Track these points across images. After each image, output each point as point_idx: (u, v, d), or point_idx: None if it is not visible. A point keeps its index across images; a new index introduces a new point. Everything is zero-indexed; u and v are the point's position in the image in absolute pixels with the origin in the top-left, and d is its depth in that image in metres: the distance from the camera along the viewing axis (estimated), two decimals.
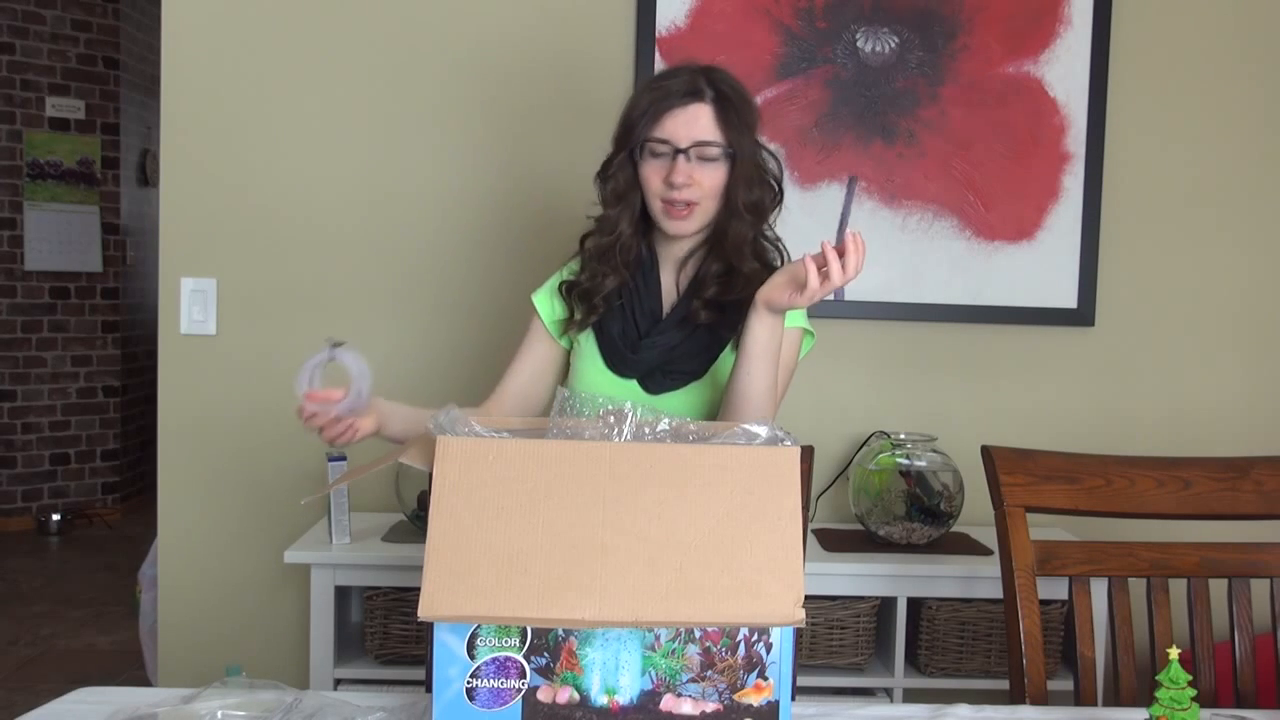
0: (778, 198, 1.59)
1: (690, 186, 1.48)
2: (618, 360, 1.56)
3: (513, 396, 1.62)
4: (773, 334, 1.44)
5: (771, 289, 1.41)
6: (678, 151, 1.47)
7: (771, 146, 2.34)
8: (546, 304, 1.64)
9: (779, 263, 1.58)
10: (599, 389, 1.56)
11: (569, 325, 1.61)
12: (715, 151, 1.49)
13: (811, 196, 2.39)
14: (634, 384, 1.56)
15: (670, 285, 1.60)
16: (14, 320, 5.04)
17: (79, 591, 4.20)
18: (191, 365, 2.37)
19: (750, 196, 1.52)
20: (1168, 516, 1.52)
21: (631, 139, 1.51)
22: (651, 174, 1.50)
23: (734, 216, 1.52)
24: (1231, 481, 1.52)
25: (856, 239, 1.35)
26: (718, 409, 1.53)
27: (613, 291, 1.56)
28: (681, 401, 1.55)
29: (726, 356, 1.55)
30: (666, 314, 1.57)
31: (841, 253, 1.35)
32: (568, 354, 1.64)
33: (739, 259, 1.53)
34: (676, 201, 1.49)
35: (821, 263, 1.36)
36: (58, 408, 5.17)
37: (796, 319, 1.56)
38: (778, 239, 1.60)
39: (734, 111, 1.50)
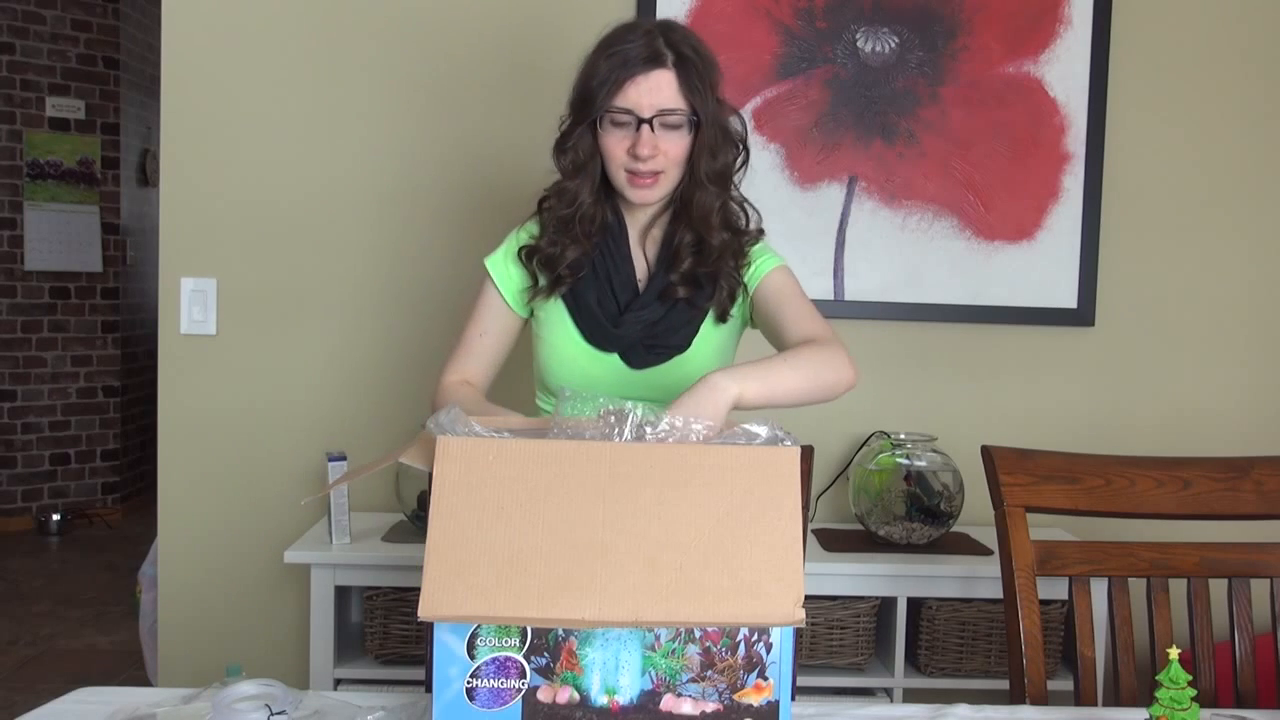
0: (743, 158, 1.53)
1: (656, 157, 1.43)
2: (598, 334, 1.50)
3: (487, 364, 1.54)
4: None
5: None
6: (641, 121, 1.41)
7: (772, 147, 2.40)
8: (503, 270, 1.56)
9: (745, 224, 1.53)
10: (576, 363, 1.51)
11: (533, 292, 1.53)
12: (679, 119, 1.43)
13: (811, 196, 2.39)
14: (615, 358, 1.51)
15: (639, 252, 1.55)
16: (14, 320, 5.04)
17: (79, 591, 4.20)
18: (191, 365, 2.38)
19: (715, 165, 1.47)
20: (1168, 516, 1.52)
21: (592, 110, 1.43)
22: (614, 144, 1.44)
23: (698, 186, 1.47)
24: (1231, 481, 1.52)
25: None
26: None
27: (576, 260, 1.50)
28: (666, 376, 1.50)
29: (708, 327, 1.53)
30: (644, 286, 1.52)
31: None
32: (523, 322, 1.58)
33: (708, 230, 1.48)
34: (642, 172, 1.44)
35: None
36: (58, 408, 5.16)
37: (772, 259, 1.53)
38: (744, 199, 1.54)
39: (696, 75, 1.42)
